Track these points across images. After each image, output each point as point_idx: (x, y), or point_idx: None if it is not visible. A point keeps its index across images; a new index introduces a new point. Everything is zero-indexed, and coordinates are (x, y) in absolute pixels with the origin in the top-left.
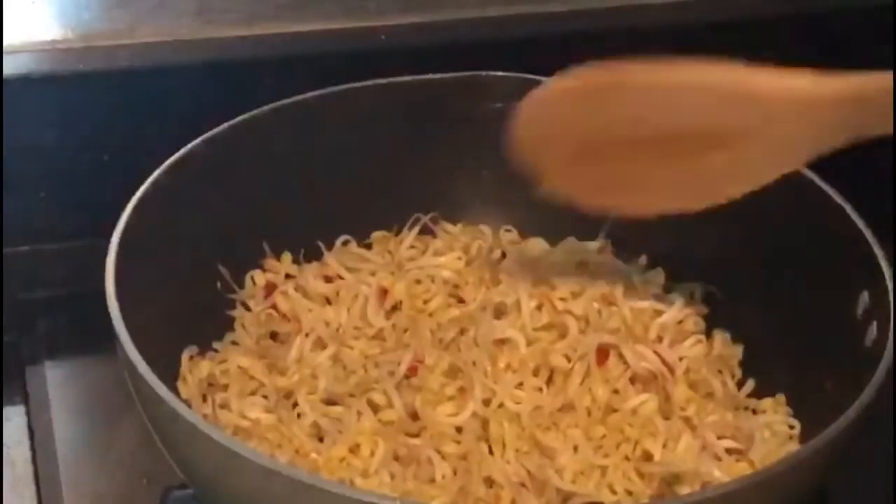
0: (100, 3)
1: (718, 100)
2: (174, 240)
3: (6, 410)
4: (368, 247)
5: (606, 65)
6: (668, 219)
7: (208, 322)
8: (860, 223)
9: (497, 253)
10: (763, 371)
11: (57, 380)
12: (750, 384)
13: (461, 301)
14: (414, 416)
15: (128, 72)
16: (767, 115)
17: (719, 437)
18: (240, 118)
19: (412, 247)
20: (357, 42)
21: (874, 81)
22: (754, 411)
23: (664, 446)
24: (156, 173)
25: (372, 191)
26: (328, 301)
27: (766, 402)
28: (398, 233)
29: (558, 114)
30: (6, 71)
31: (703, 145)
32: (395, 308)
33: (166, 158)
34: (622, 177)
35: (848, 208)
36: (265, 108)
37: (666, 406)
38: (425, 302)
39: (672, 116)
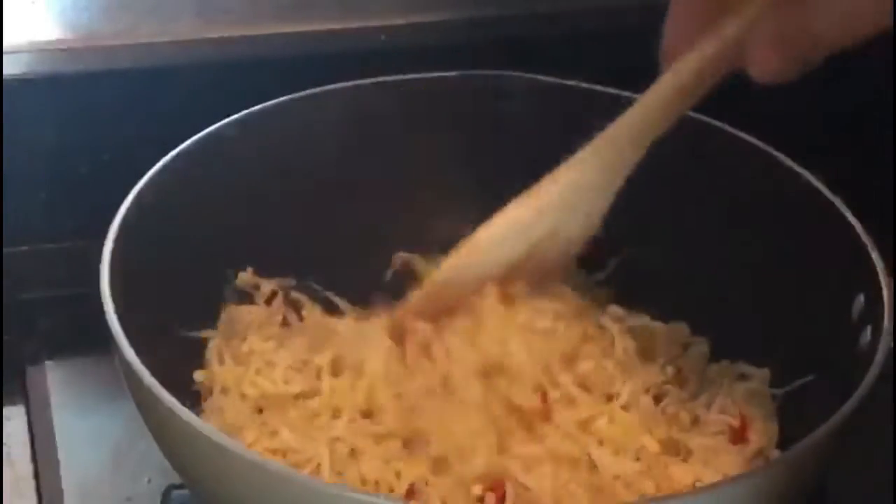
0: (100, 3)
1: None
2: (171, 239)
3: (6, 410)
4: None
5: None
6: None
7: (208, 322)
8: (857, 226)
9: None
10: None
11: (57, 380)
12: None
13: None
14: None
15: (128, 72)
16: None
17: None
18: (236, 116)
19: None
20: (357, 42)
21: None
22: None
23: None
24: (151, 172)
25: (370, 190)
26: None
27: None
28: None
29: None
30: (6, 71)
31: None
32: None
33: None
34: None
35: (845, 211)
36: (263, 106)
37: None
38: None
39: None
